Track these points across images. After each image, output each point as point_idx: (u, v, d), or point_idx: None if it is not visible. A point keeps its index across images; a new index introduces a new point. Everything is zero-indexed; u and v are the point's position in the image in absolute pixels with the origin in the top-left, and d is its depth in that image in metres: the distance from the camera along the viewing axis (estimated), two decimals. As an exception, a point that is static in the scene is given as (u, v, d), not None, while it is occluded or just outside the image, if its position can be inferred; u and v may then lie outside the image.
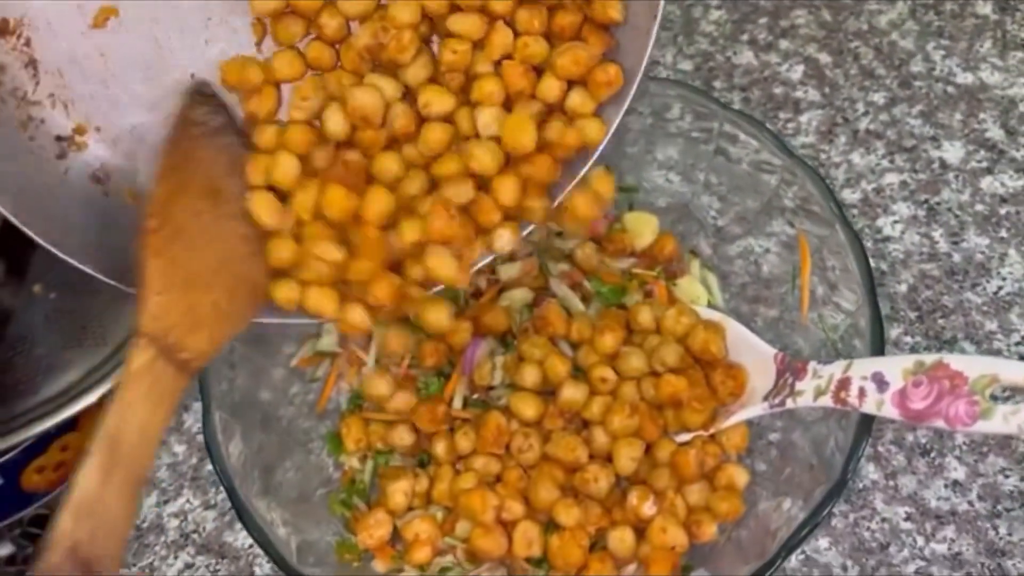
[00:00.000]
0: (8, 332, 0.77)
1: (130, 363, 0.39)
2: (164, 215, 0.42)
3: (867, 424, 0.45)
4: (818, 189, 0.51)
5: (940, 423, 0.40)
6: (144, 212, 0.42)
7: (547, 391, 0.52)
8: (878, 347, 0.47)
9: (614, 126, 0.43)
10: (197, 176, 0.45)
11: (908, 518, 0.52)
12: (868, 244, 0.61)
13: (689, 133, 0.58)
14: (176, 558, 0.56)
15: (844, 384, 0.45)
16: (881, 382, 0.43)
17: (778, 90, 0.69)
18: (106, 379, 0.72)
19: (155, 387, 0.39)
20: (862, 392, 0.43)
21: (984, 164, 0.64)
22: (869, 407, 0.43)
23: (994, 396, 0.39)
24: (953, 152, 0.65)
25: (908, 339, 0.58)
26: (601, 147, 0.44)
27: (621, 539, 0.49)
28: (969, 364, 0.40)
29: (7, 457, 0.70)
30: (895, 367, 0.43)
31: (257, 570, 0.55)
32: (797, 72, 0.70)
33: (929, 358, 0.41)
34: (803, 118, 0.68)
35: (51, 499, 0.75)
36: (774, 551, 0.43)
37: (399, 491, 0.51)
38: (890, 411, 0.42)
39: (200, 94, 0.47)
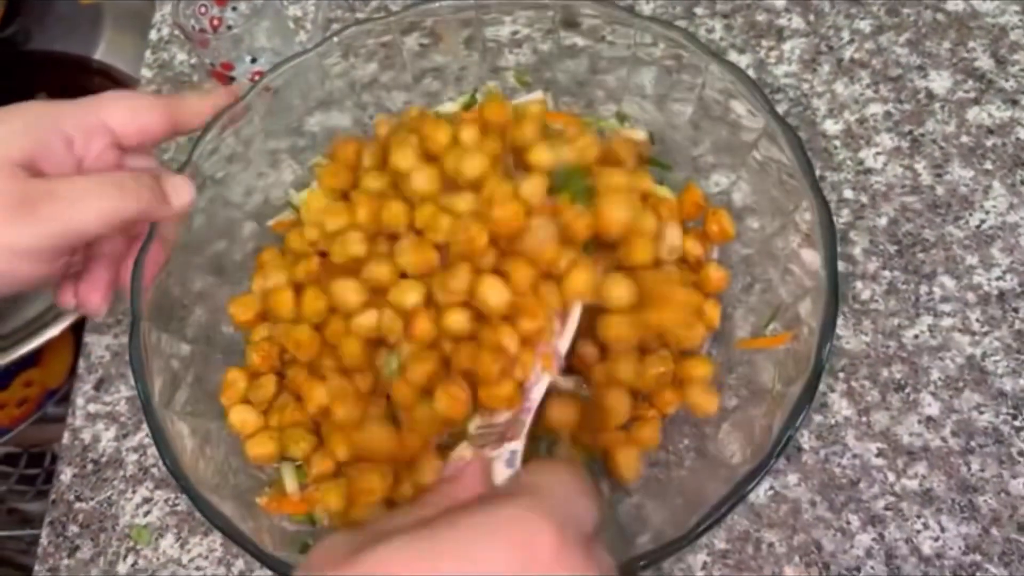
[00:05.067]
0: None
1: None
2: None
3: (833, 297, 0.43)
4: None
5: None
6: None
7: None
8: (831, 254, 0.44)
9: None
10: None
11: (880, 454, 0.51)
12: (849, 176, 0.59)
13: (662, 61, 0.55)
14: (135, 492, 0.55)
15: None
16: None
17: (761, 17, 0.66)
18: (68, 312, 0.71)
19: None
20: None
21: (971, 94, 0.62)
22: None
23: None
24: (940, 82, 0.62)
25: (887, 273, 0.56)
26: None
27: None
28: None
29: (-31, 394, 0.68)
30: None
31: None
32: (781, -2, 0.67)
33: None
34: (786, 46, 0.65)
35: (16, 435, 0.74)
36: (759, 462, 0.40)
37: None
38: None
39: None
